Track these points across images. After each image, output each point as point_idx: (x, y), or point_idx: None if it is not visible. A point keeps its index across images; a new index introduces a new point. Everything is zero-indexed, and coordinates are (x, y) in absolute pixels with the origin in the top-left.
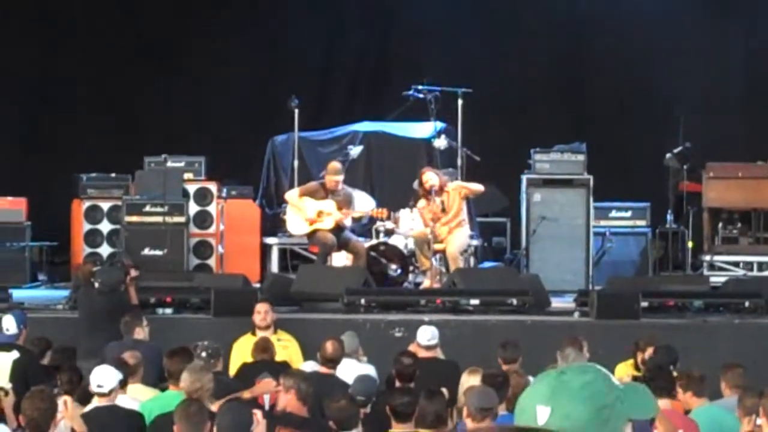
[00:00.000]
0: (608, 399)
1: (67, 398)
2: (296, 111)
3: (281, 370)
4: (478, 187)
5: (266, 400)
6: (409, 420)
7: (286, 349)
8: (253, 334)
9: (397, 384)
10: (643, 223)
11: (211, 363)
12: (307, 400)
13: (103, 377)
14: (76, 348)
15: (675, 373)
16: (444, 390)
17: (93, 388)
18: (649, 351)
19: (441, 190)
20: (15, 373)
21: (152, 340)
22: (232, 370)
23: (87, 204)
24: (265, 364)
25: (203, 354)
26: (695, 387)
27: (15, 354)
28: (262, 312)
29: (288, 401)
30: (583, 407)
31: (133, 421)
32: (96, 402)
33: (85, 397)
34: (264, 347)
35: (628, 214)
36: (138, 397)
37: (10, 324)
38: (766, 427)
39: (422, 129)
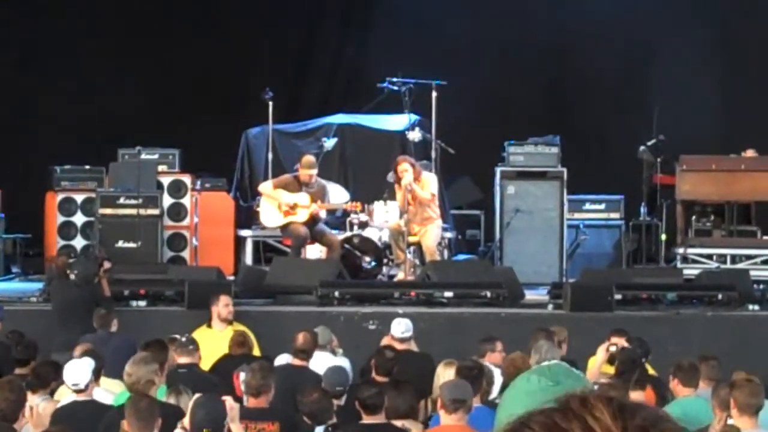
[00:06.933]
0: None
1: (33, 405)
2: (270, 103)
3: None
4: (424, 195)
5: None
6: (378, 411)
7: None
8: (209, 326)
9: (374, 376)
10: (616, 215)
11: None
12: (261, 390)
13: (76, 374)
14: (41, 343)
15: (648, 366)
16: (417, 382)
17: (69, 385)
18: (616, 340)
19: (416, 180)
20: None
21: (126, 333)
22: None
23: (61, 196)
24: (244, 357)
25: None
26: (682, 376)
27: None
28: (230, 304)
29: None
30: None
31: (111, 417)
32: (73, 396)
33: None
34: (242, 341)
35: (602, 206)
36: (110, 390)
37: None
38: (738, 419)
39: (396, 121)
